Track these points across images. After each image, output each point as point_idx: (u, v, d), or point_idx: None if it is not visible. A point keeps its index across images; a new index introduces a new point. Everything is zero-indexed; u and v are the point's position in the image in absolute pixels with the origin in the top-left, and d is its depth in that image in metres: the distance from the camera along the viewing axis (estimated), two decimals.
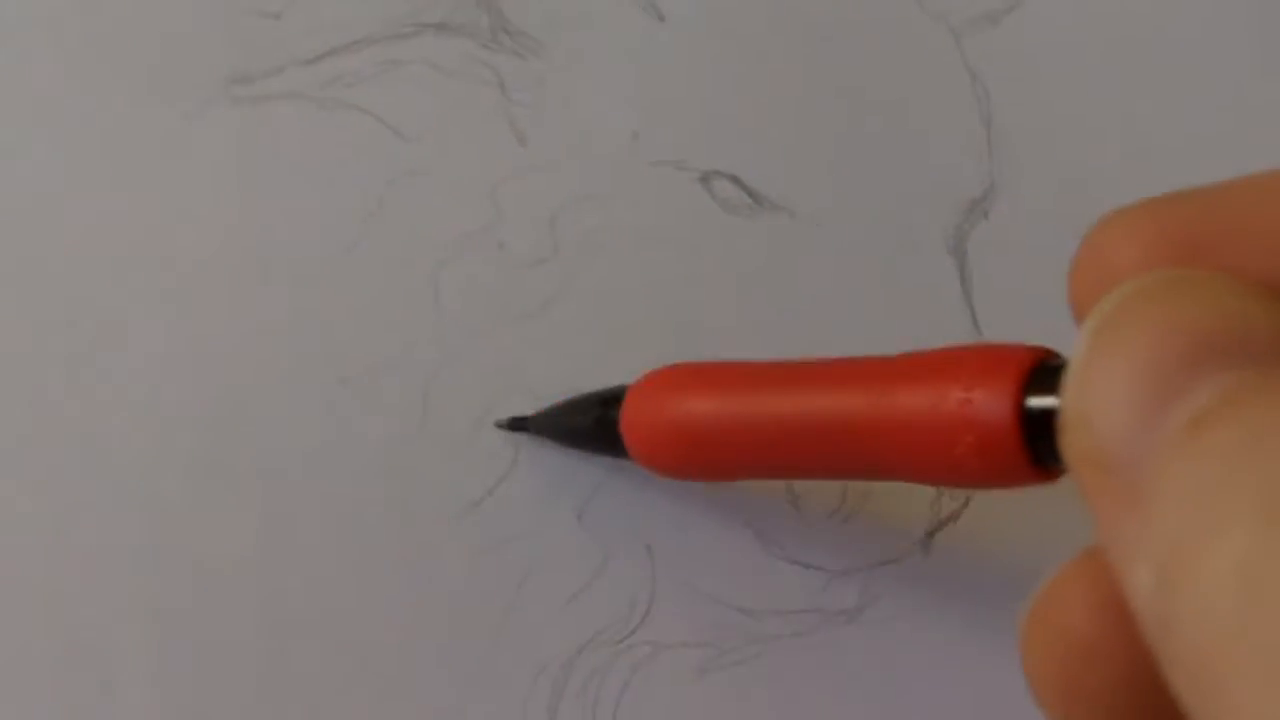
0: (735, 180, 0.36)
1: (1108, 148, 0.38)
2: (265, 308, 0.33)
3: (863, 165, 0.37)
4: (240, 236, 0.33)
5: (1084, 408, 0.19)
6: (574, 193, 0.35)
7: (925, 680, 0.33)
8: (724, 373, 0.30)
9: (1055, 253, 0.36)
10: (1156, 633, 0.17)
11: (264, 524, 0.32)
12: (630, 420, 0.30)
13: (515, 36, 0.36)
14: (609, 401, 0.31)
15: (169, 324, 0.33)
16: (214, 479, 0.32)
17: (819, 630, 0.33)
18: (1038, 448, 0.23)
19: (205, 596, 0.31)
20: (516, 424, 0.32)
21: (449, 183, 0.35)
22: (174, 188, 0.34)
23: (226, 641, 0.31)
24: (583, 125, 0.36)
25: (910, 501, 0.34)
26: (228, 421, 0.32)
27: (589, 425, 0.31)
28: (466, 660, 0.32)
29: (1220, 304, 0.18)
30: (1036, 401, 0.23)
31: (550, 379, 0.33)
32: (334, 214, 0.34)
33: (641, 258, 0.35)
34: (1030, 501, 0.29)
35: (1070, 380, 0.19)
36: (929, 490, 0.34)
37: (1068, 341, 0.34)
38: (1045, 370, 0.23)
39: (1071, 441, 0.19)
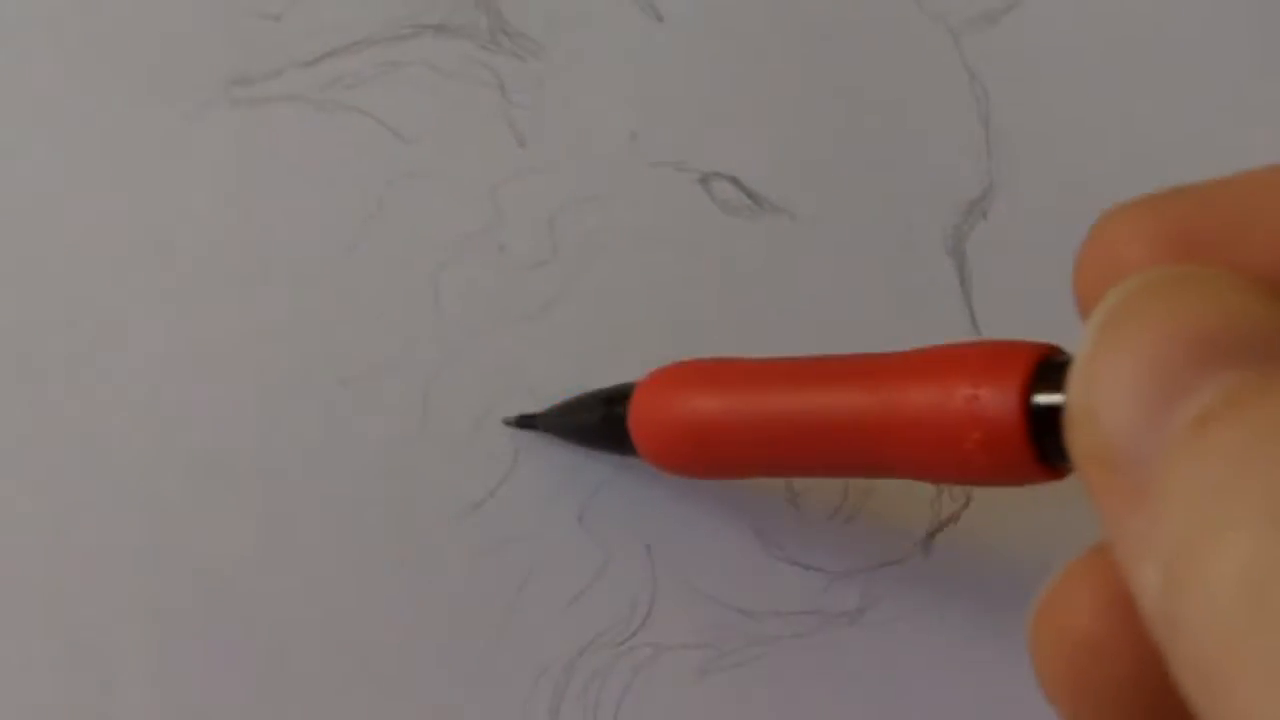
0: (735, 181, 0.36)
1: (1107, 148, 0.38)
2: (265, 309, 0.33)
3: (861, 166, 0.37)
4: (240, 238, 0.34)
5: (1089, 404, 0.19)
6: (573, 194, 0.35)
7: (926, 681, 0.33)
8: (731, 370, 0.30)
9: (1054, 253, 0.37)
10: (1164, 632, 0.17)
11: (264, 525, 0.32)
12: (638, 417, 0.30)
13: (514, 38, 0.36)
14: (616, 399, 0.31)
15: (169, 325, 0.33)
16: (214, 480, 0.32)
17: (820, 631, 0.33)
18: (1044, 444, 0.23)
19: (205, 597, 0.31)
20: (524, 421, 0.33)
21: (448, 184, 0.35)
22: (173, 189, 0.34)
23: (227, 642, 0.31)
24: (582, 126, 0.36)
25: (911, 502, 0.34)
26: (228, 422, 0.32)
27: (596, 422, 0.31)
28: (467, 662, 0.32)
29: (1223, 301, 0.18)
30: (1043, 398, 0.23)
31: (550, 380, 0.33)
32: (334, 215, 0.34)
33: (641, 259, 0.35)
34: (1031, 502, 0.29)
35: (1075, 376, 0.19)
36: (929, 491, 0.35)
37: (1068, 340, 0.34)
38: (1051, 366, 0.24)
39: (1077, 438, 0.19)
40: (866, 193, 0.37)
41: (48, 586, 0.31)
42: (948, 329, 0.36)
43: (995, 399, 0.23)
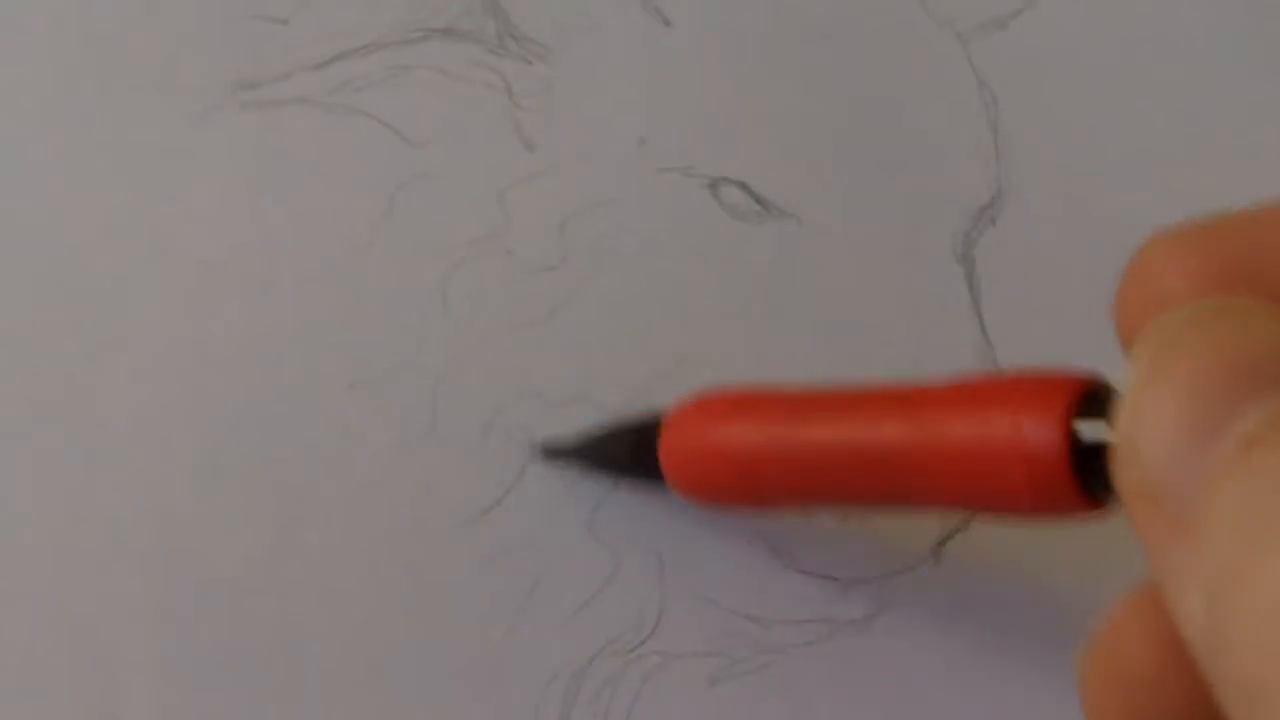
0: (743, 187, 0.36)
1: (1116, 153, 0.38)
2: (273, 313, 0.33)
3: (870, 171, 0.37)
4: (248, 242, 0.34)
5: (1134, 440, 0.19)
6: (582, 199, 0.35)
7: (936, 690, 0.33)
8: (764, 400, 0.29)
9: (1063, 259, 0.37)
10: (1208, 657, 0.17)
11: (273, 529, 0.32)
12: (671, 448, 0.30)
13: (522, 42, 0.36)
14: (646, 429, 0.31)
15: (176, 328, 0.33)
16: (222, 484, 0.32)
17: (830, 640, 0.33)
18: (1088, 477, 0.23)
19: (213, 601, 0.31)
20: (551, 453, 0.32)
21: (457, 188, 0.35)
22: (181, 193, 0.34)
23: (234, 646, 0.31)
24: (590, 131, 0.36)
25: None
26: (236, 427, 0.32)
27: (626, 454, 0.31)
28: (476, 668, 0.32)
29: (1264, 330, 0.18)
30: (1087, 430, 0.23)
31: (559, 385, 0.34)
32: (342, 219, 0.34)
33: (649, 264, 0.35)
34: None
35: (1121, 414, 0.19)
36: None
37: (1079, 347, 0.34)
38: (1094, 397, 0.23)
39: (1123, 474, 0.19)
40: (875, 198, 0.37)
41: (55, 591, 0.31)
42: (957, 336, 0.36)
43: (1038, 432, 0.23)
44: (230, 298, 0.33)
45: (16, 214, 0.33)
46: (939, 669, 0.33)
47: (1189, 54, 0.39)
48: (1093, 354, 0.36)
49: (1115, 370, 0.23)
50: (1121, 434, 0.19)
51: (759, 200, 0.36)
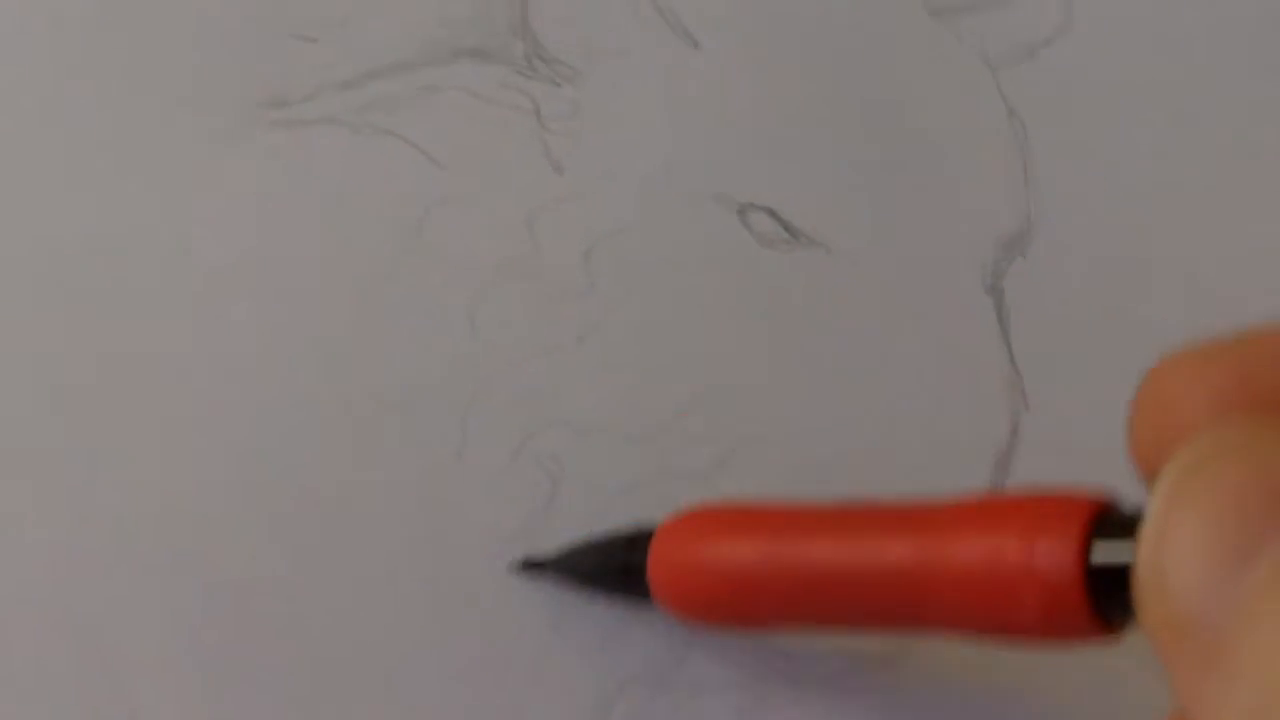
0: (772, 214, 0.36)
1: (1146, 184, 0.39)
2: (300, 335, 0.33)
3: (899, 200, 0.37)
4: (275, 262, 0.34)
5: (1161, 573, 0.18)
6: (610, 223, 0.35)
7: None
8: (760, 515, 0.29)
9: (1093, 290, 0.37)
10: None
11: (298, 551, 0.32)
12: (659, 563, 0.29)
13: (550, 64, 0.36)
14: (635, 543, 0.30)
15: (203, 351, 0.33)
16: (248, 506, 0.32)
17: (858, 674, 0.33)
18: (1103, 602, 0.23)
19: (237, 621, 0.31)
20: (532, 566, 0.32)
21: (485, 211, 0.35)
22: (207, 213, 0.34)
23: (256, 667, 0.31)
24: (618, 155, 0.36)
25: None
26: (262, 449, 0.32)
27: (613, 568, 0.30)
28: (502, 696, 0.32)
29: None
30: (1104, 554, 0.22)
31: (587, 411, 0.34)
32: (370, 240, 0.34)
33: (677, 290, 0.35)
34: None
35: (1145, 545, 0.19)
36: None
37: (1108, 381, 0.35)
38: (1108, 518, 0.23)
39: (1148, 605, 0.19)
40: (904, 228, 0.37)
41: (79, 609, 0.31)
42: (985, 366, 0.36)
43: (1053, 555, 0.23)
44: (257, 319, 0.33)
45: (45, 228, 0.33)
46: (967, 706, 0.33)
47: (1222, 84, 0.40)
48: (1121, 387, 0.36)
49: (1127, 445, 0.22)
50: (1146, 561, 0.19)
51: (788, 228, 0.36)
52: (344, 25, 0.36)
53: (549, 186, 0.36)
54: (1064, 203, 0.38)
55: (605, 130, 0.36)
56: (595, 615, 0.32)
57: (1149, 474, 0.22)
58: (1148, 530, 0.19)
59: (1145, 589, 0.19)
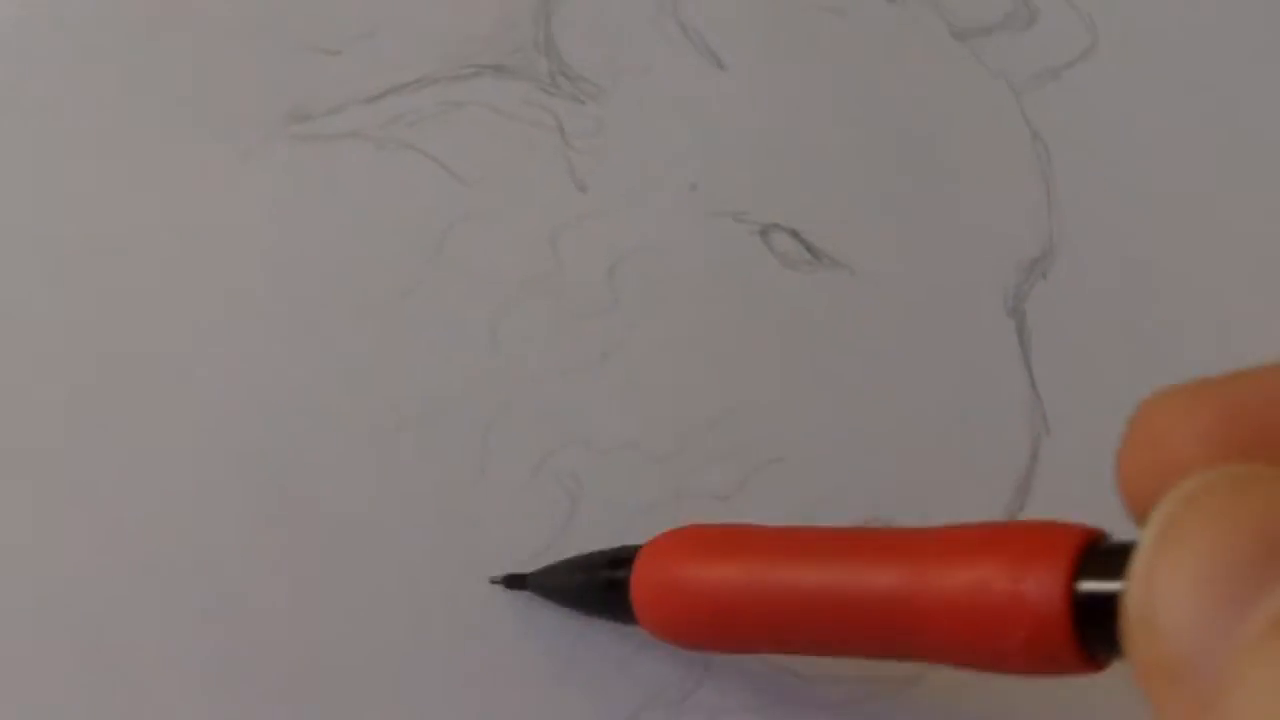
0: (794, 235, 0.36)
1: (1169, 208, 0.39)
2: (323, 351, 0.33)
3: (922, 222, 0.37)
4: (298, 278, 0.34)
5: (1151, 613, 0.18)
6: (632, 242, 0.36)
7: None
8: (745, 537, 0.28)
9: (1115, 314, 0.37)
10: None
11: (318, 570, 0.32)
12: (642, 584, 0.29)
13: (575, 81, 0.37)
14: (618, 563, 0.30)
15: (225, 365, 0.33)
16: (268, 523, 0.32)
17: (875, 698, 0.33)
18: (1090, 636, 0.22)
19: (257, 637, 0.31)
20: (514, 582, 0.32)
21: (508, 228, 0.35)
22: (230, 227, 0.34)
23: (276, 688, 0.31)
24: (642, 173, 0.36)
25: None
26: (283, 465, 0.32)
27: (596, 587, 0.30)
28: (518, 715, 0.32)
29: None
30: (1089, 589, 0.22)
31: (608, 429, 0.34)
32: (392, 257, 0.34)
33: (699, 310, 0.35)
34: None
35: (1135, 583, 0.19)
36: None
37: (1128, 404, 0.35)
38: (1097, 552, 0.23)
39: (1137, 646, 0.19)
40: (926, 250, 0.37)
41: (104, 629, 0.31)
42: (1006, 389, 0.37)
43: (1040, 588, 0.22)
44: (280, 334, 0.33)
45: (68, 246, 0.33)
46: None
47: (1246, 107, 0.40)
48: None
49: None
50: (1135, 599, 0.19)
51: (810, 249, 0.36)
52: (368, 39, 0.36)
53: (572, 204, 0.36)
54: (1086, 225, 0.38)
55: (629, 148, 0.36)
56: (610, 638, 0.32)
57: (1136, 509, 0.22)
58: (1137, 568, 0.19)
59: (1133, 627, 0.19)
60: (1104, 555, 0.22)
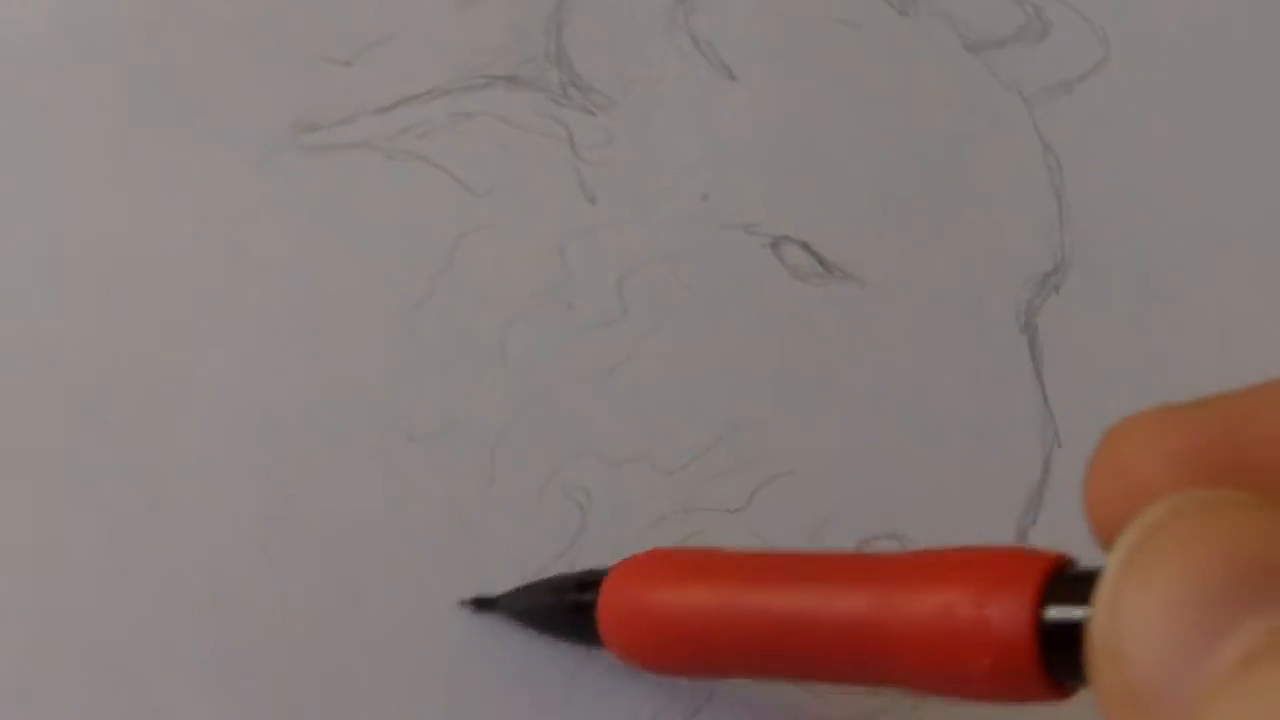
0: (805, 247, 0.36)
1: (1182, 221, 0.39)
2: (332, 362, 0.33)
3: (933, 236, 0.37)
4: (308, 289, 0.34)
5: (1117, 641, 0.18)
6: (642, 253, 0.36)
7: None
8: (713, 561, 0.28)
9: (1127, 329, 0.37)
10: None
11: (328, 582, 0.32)
12: (609, 607, 0.29)
13: (585, 92, 0.37)
14: (586, 585, 0.30)
15: (234, 377, 0.33)
16: (278, 535, 0.32)
17: (885, 715, 0.33)
18: (1055, 664, 0.22)
19: (269, 652, 0.31)
20: (483, 604, 0.32)
21: (518, 239, 0.35)
22: (239, 237, 0.34)
23: (281, 697, 0.31)
24: (652, 185, 0.36)
25: None
26: (292, 478, 0.32)
27: (563, 610, 0.30)
28: None
29: (1258, 531, 0.18)
30: (1056, 616, 0.22)
31: (617, 442, 0.34)
32: (402, 268, 0.34)
33: (709, 322, 0.35)
34: None
35: (1100, 610, 0.19)
36: None
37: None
38: (1064, 578, 0.23)
39: (1102, 675, 0.19)
40: (938, 263, 0.37)
41: (112, 637, 0.31)
42: (1018, 404, 0.37)
43: (1005, 617, 0.22)
44: (289, 346, 0.33)
45: (76, 254, 0.33)
46: None
47: (1259, 120, 0.40)
48: None
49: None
50: (1100, 629, 0.19)
51: (821, 261, 0.36)
52: (378, 49, 0.36)
53: (582, 215, 0.36)
54: (1099, 239, 0.38)
55: (639, 160, 0.37)
56: (612, 660, 0.32)
57: (1104, 535, 0.22)
58: (1103, 595, 0.19)
59: (1099, 655, 0.19)
60: (1071, 581, 0.22)
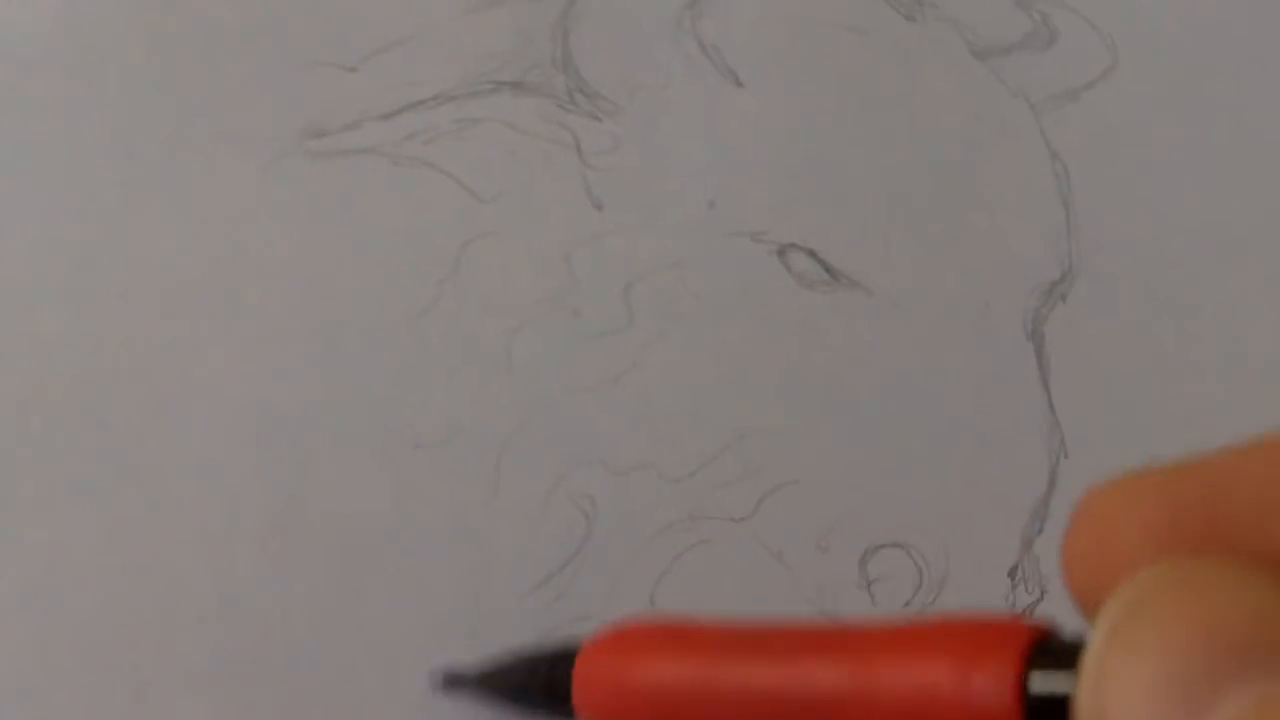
0: (812, 255, 0.37)
1: (1189, 230, 0.39)
2: (337, 369, 0.33)
3: (940, 244, 0.37)
4: (313, 296, 0.34)
5: (1102, 711, 0.18)
6: (649, 261, 0.36)
7: None
8: (691, 634, 0.28)
9: (1134, 338, 0.38)
10: None
11: (333, 590, 0.32)
12: (584, 682, 0.28)
13: (592, 98, 0.37)
14: (560, 660, 0.29)
15: (238, 382, 0.33)
16: (282, 541, 0.32)
17: None
18: None
19: (273, 659, 0.31)
20: (454, 680, 0.31)
21: (524, 246, 0.35)
22: (245, 242, 0.34)
23: (284, 703, 0.31)
24: (659, 191, 0.36)
25: (985, 594, 0.35)
26: (297, 483, 0.32)
27: (537, 687, 0.30)
28: None
29: (1242, 601, 0.18)
30: (1040, 686, 0.22)
31: (623, 451, 0.34)
32: (408, 274, 0.34)
33: (715, 330, 0.36)
34: None
35: (1086, 686, 0.19)
36: (1003, 582, 0.35)
37: (1147, 428, 0.35)
38: (1046, 648, 0.22)
39: None
40: (945, 272, 0.37)
41: (116, 640, 0.31)
42: (1024, 413, 0.37)
43: (989, 685, 0.22)
44: (295, 352, 0.33)
45: (80, 259, 0.33)
46: None
47: (1267, 128, 0.40)
48: (1162, 435, 0.36)
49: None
50: (1087, 701, 0.19)
51: (828, 269, 0.37)
52: (384, 55, 0.36)
53: (588, 222, 0.36)
54: (1106, 248, 0.38)
55: (645, 167, 0.37)
56: None
57: (1083, 600, 0.22)
58: (1087, 670, 0.19)
59: None
60: (1054, 652, 0.22)
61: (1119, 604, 0.19)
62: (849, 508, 0.35)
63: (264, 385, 0.33)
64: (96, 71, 0.35)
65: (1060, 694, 0.21)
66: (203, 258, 0.34)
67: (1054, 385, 0.37)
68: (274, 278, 0.34)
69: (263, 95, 0.35)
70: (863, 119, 0.38)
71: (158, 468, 0.32)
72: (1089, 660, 0.19)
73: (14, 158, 0.34)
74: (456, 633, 0.32)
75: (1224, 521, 0.20)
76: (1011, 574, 0.35)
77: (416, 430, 0.33)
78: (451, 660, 0.32)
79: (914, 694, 0.23)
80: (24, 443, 0.32)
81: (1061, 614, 0.35)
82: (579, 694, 0.29)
